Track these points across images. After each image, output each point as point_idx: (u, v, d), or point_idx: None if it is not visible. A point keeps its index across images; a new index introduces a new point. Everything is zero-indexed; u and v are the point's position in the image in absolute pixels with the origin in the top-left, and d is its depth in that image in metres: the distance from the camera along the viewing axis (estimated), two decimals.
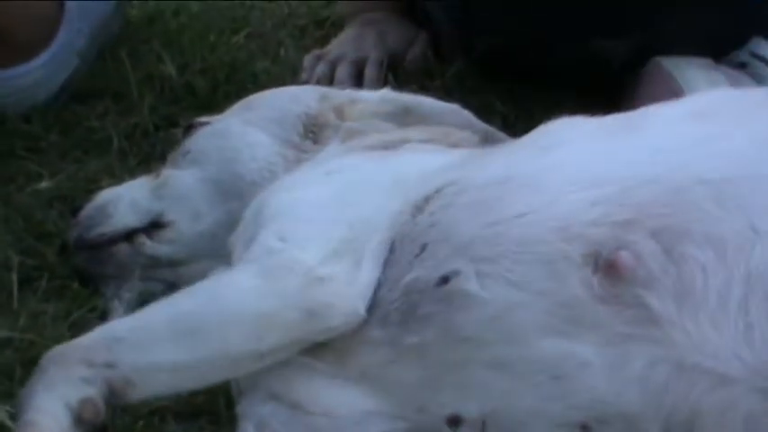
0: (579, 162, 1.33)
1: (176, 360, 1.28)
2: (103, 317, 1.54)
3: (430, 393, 1.28)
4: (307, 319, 1.28)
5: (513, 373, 1.24)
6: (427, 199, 1.35)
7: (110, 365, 1.25)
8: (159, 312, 1.33)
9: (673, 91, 1.91)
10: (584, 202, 1.26)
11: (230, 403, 1.37)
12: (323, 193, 1.42)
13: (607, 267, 1.21)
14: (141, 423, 1.40)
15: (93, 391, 1.24)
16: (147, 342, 1.29)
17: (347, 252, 1.32)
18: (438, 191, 1.35)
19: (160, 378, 1.28)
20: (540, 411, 1.24)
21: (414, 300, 1.29)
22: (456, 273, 1.27)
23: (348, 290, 1.30)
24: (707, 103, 1.40)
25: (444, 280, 1.27)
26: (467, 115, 1.63)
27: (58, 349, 1.28)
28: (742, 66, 2.00)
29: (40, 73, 2.07)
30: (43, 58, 2.07)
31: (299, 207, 1.40)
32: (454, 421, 1.26)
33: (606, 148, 1.35)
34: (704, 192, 1.23)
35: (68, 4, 2.08)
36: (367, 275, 1.31)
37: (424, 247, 1.31)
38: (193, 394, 1.40)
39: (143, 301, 1.49)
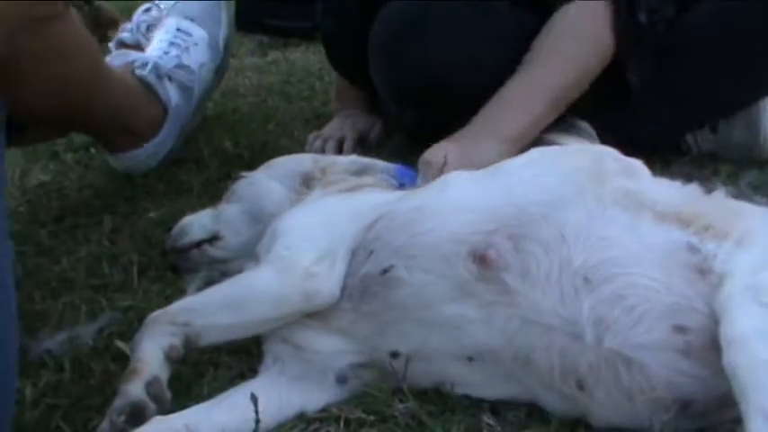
0: (460, 197, 1.34)
1: (226, 322, 1.29)
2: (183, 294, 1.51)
3: (378, 339, 1.29)
4: (304, 299, 1.29)
5: (426, 326, 1.26)
6: (375, 222, 1.34)
7: (186, 324, 1.27)
8: (215, 293, 1.33)
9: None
10: (466, 220, 1.27)
11: (259, 344, 1.36)
12: (312, 220, 1.41)
13: (481, 259, 1.23)
14: (207, 356, 1.40)
15: (176, 340, 1.26)
16: (209, 311, 1.29)
17: (327, 257, 1.31)
18: (381, 217, 1.35)
19: (217, 333, 1.30)
20: (444, 349, 1.25)
21: (366, 283, 1.29)
22: (392, 266, 1.28)
23: (329, 281, 1.30)
24: (536, 155, 1.40)
25: (385, 271, 1.28)
26: None
27: (155, 314, 1.29)
28: (567, 131, 1.93)
29: (152, 152, 2.05)
30: (154, 144, 2.05)
31: (297, 229, 1.38)
32: (394, 355, 1.27)
33: (475, 188, 1.35)
34: (537, 210, 1.25)
35: (171, 111, 2.06)
36: (339, 271, 1.31)
37: (371, 252, 1.31)
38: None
39: (207, 284, 1.50)
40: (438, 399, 1.28)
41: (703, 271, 1.16)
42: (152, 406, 1.19)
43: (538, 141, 1.90)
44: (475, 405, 1.26)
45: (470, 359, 1.24)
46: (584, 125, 1.98)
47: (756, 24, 1.90)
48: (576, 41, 1.85)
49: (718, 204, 1.28)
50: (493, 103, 1.80)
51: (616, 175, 1.29)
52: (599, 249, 1.20)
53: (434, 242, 1.27)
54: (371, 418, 1.25)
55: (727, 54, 1.92)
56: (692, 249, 1.19)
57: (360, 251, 1.32)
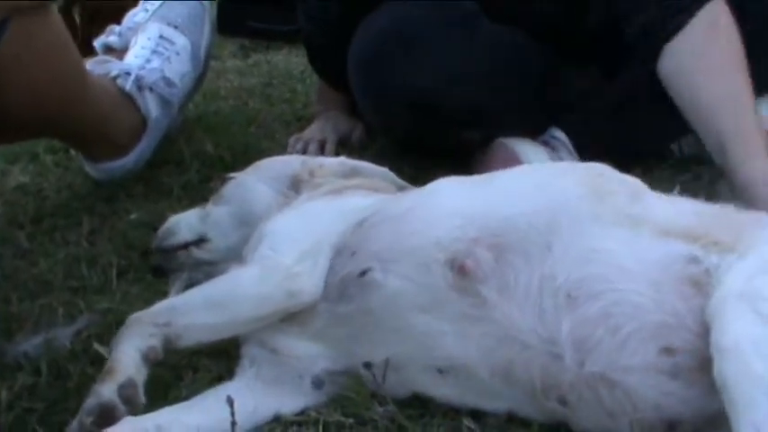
0: (448, 203, 1.32)
1: (208, 322, 1.28)
2: (166, 296, 1.50)
3: (352, 345, 1.29)
4: (287, 298, 1.29)
5: (398, 335, 1.25)
6: (361, 223, 1.34)
7: (167, 325, 1.25)
8: (199, 293, 1.32)
9: (513, 157, 1.91)
10: (449, 226, 1.26)
11: (238, 347, 1.36)
12: (296, 222, 1.40)
13: (459, 268, 1.21)
14: (185, 359, 1.39)
15: (155, 342, 1.24)
16: (191, 311, 1.28)
17: (310, 256, 1.31)
18: (367, 218, 1.34)
19: (199, 333, 1.28)
20: (416, 359, 1.25)
21: (344, 285, 1.29)
22: (370, 269, 1.27)
23: (311, 280, 1.30)
24: (532, 169, 1.40)
25: (363, 273, 1.27)
26: (391, 174, 1.61)
27: (136, 314, 1.28)
28: (545, 143, 1.98)
29: (131, 163, 2.04)
30: (131, 157, 2.04)
31: (282, 231, 1.38)
32: (367, 365, 1.27)
33: (464, 195, 1.34)
34: (525, 221, 1.23)
35: (150, 123, 2.05)
36: (321, 270, 1.31)
37: (354, 253, 1.30)
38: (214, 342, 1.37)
39: (190, 286, 1.48)
40: (418, 403, 1.27)
41: (700, 283, 1.14)
42: (122, 408, 1.17)
43: (494, 144, 1.96)
44: (455, 409, 1.25)
45: (440, 371, 1.24)
46: (561, 135, 2.00)
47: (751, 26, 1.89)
48: (732, 38, 1.79)
49: (730, 218, 1.25)
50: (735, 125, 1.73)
51: (617, 193, 1.27)
52: (587, 263, 1.18)
53: (414, 247, 1.26)
54: (350, 421, 1.25)
55: None
56: (694, 261, 1.16)
57: (344, 251, 1.32)
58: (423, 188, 1.41)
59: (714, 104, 1.74)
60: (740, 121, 1.71)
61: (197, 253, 1.56)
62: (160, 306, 1.30)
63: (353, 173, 1.57)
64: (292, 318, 1.30)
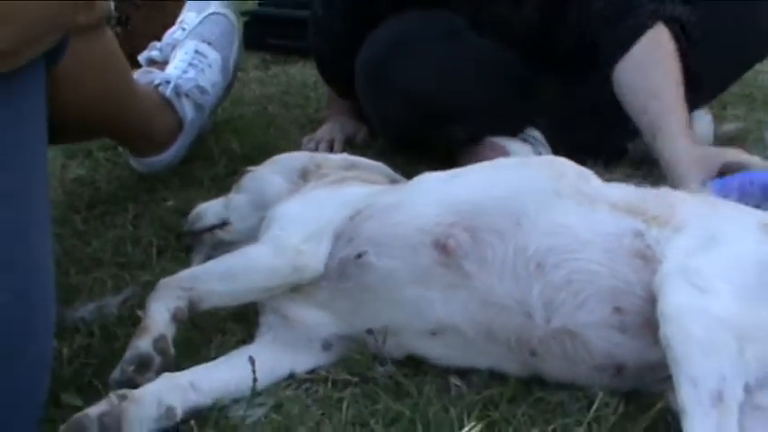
0: (430, 193, 1.34)
1: (225, 289, 1.30)
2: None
3: (354, 316, 1.30)
4: (294, 272, 1.30)
5: (393, 305, 1.27)
6: (357, 212, 1.35)
7: (191, 289, 1.27)
8: (218, 264, 1.34)
9: (502, 152, 1.92)
10: (432, 214, 1.28)
11: (256, 314, 1.38)
12: (303, 207, 1.41)
13: (442, 248, 1.23)
14: (214, 323, 1.40)
15: (182, 303, 1.26)
16: (212, 279, 1.30)
17: (315, 238, 1.32)
18: (362, 208, 1.35)
19: (217, 298, 1.30)
20: (410, 325, 1.26)
21: (343, 265, 1.30)
22: (365, 252, 1.28)
23: (315, 258, 1.31)
24: (500, 162, 1.41)
25: (359, 255, 1.29)
26: (386, 168, 1.62)
27: (165, 279, 1.29)
28: (524, 140, 1.99)
29: (169, 158, 2.04)
30: (169, 153, 2.03)
31: (291, 214, 1.39)
32: (369, 331, 1.28)
33: (442, 188, 1.35)
34: (494, 204, 1.25)
35: (186, 125, 2.05)
36: (324, 250, 1.32)
37: (351, 239, 1.31)
38: (239, 310, 1.40)
39: (208, 259, 1.50)
40: (413, 363, 1.29)
41: (646, 257, 1.17)
42: (158, 359, 1.20)
43: (484, 142, 1.95)
44: (444, 370, 1.28)
45: (433, 334, 1.26)
46: (538, 134, 2.01)
47: (707, 38, 1.90)
48: (671, 57, 1.81)
49: (663, 197, 1.28)
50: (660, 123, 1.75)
51: (573, 177, 1.30)
52: (552, 236, 1.21)
53: (403, 233, 1.28)
54: (355, 379, 1.27)
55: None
56: (639, 235, 1.19)
57: (342, 237, 1.33)
58: (408, 183, 1.43)
59: (652, 109, 1.77)
60: (671, 116, 1.74)
61: (220, 234, 1.56)
62: (184, 273, 1.31)
63: (353, 166, 1.58)
64: (301, 290, 1.31)
